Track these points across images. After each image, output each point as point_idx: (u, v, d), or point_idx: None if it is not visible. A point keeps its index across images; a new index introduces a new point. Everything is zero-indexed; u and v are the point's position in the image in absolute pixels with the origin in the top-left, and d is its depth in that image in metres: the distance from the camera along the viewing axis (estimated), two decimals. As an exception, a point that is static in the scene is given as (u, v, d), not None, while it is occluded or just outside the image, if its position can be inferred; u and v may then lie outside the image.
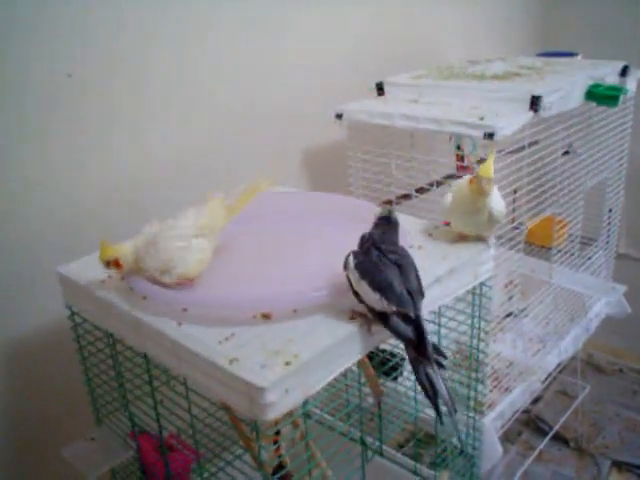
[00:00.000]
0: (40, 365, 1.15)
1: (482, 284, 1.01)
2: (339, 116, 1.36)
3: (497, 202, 0.96)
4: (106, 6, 1.12)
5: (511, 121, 1.17)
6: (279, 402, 0.71)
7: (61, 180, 1.12)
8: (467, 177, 0.98)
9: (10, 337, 1.11)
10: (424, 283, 0.82)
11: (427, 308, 0.90)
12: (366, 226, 0.85)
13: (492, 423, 1.35)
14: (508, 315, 1.50)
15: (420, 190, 1.35)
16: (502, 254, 1.35)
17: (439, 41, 1.83)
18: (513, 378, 1.46)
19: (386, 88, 1.44)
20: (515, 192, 1.39)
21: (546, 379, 1.54)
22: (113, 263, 0.87)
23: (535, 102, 1.21)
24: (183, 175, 1.27)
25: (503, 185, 1.20)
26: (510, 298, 1.45)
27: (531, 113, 1.21)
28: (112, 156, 1.18)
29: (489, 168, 0.93)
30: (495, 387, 1.45)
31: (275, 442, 0.91)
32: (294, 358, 0.73)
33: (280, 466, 0.91)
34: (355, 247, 0.82)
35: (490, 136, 1.14)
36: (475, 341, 1.05)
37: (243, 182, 1.01)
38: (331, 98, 1.42)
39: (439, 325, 0.99)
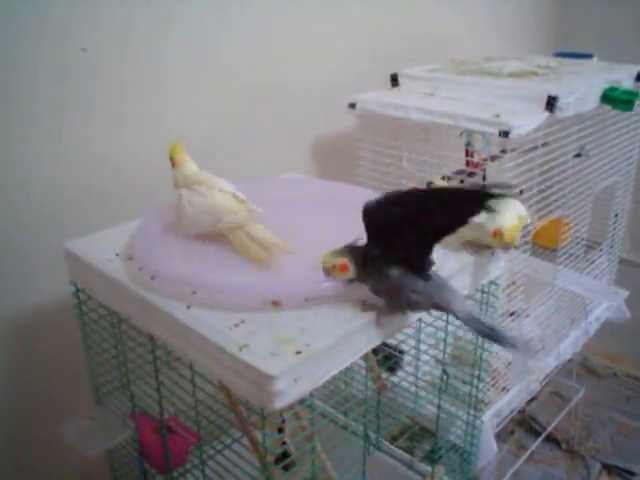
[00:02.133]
0: (41, 343, 1.15)
1: (491, 282, 1.00)
2: (352, 105, 1.34)
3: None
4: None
5: (527, 120, 1.16)
6: (287, 391, 0.71)
7: (71, 155, 1.10)
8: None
9: (11, 314, 1.10)
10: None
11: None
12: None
13: (489, 421, 1.35)
14: (510, 315, 1.50)
15: (430, 184, 1.35)
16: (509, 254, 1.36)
17: (454, 36, 1.81)
18: (511, 377, 1.46)
19: (401, 80, 1.42)
20: (521, 192, 1.39)
21: (543, 380, 1.54)
22: None
23: (551, 102, 1.20)
24: (194, 157, 1.26)
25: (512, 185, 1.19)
26: (512, 298, 1.45)
27: (547, 113, 1.20)
28: (125, 133, 1.16)
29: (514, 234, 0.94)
30: (493, 386, 1.45)
31: (280, 430, 0.90)
32: (305, 347, 0.73)
33: (284, 454, 0.91)
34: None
35: (506, 134, 1.13)
36: (480, 339, 1.05)
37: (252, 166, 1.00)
38: (346, 87, 1.40)
39: (447, 322, 0.99)
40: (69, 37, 1.06)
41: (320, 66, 1.47)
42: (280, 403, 0.71)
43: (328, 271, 0.79)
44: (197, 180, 0.95)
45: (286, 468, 0.90)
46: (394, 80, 1.43)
